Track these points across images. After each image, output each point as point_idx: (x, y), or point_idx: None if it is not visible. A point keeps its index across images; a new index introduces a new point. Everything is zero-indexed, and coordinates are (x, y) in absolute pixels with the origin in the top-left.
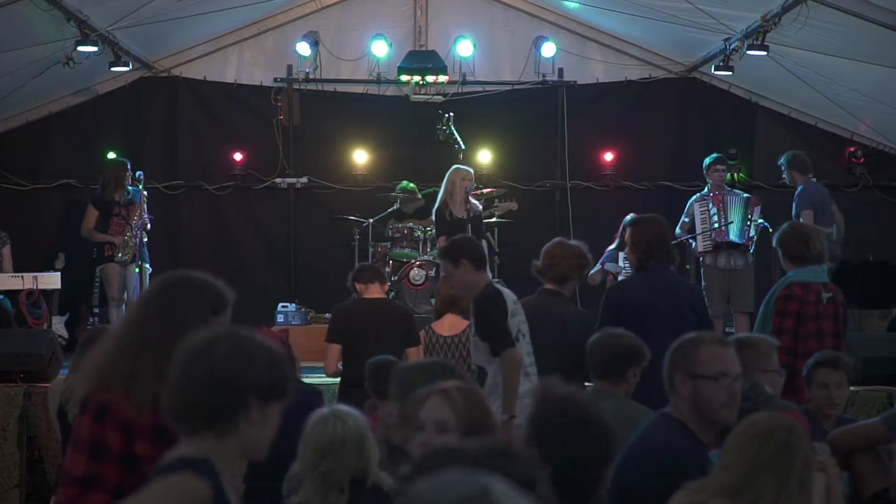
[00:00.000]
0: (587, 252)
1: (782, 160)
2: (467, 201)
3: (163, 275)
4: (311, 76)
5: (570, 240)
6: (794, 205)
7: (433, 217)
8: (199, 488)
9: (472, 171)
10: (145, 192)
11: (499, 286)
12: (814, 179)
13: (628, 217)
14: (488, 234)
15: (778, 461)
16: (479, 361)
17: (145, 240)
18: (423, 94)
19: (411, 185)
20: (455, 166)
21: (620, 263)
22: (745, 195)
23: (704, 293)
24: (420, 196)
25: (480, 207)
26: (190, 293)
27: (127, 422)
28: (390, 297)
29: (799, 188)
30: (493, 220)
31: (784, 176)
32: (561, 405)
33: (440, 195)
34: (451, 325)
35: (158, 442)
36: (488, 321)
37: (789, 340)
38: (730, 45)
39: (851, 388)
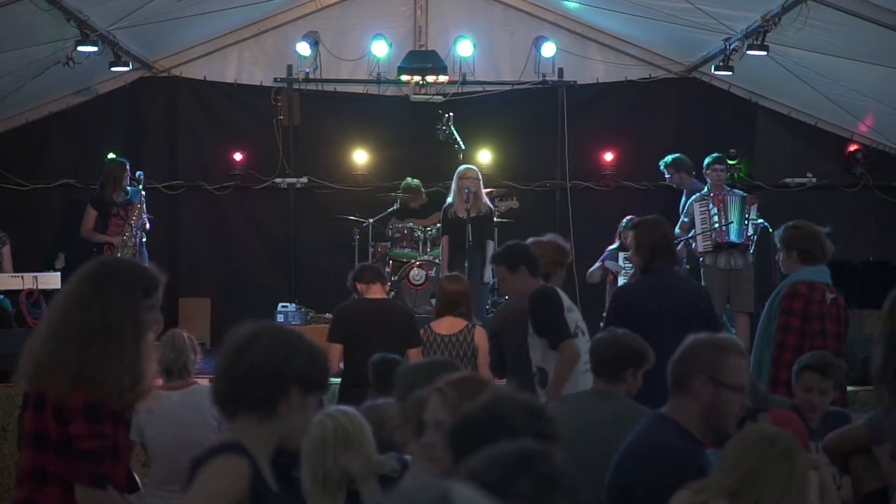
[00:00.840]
0: (564, 243)
1: (668, 161)
2: (467, 201)
3: (89, 262)
4: (311, 76)
5: (545, 236)
6: (689, 200)
7: (441, 215)
8: (238, 465)
9: (474, 169)
10: (143, 192)
11: (553, 286)
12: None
13: (626, 219)
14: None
15: (780, 466)
16: (538, 362)
17: (144, 240)
18: (423, 94)
19: (415, 181)
20: (460, 166)
21: (621, 263)
22: (743, 194)
23: None
24: (425, 194)
25: (492, 208)
26: (118, 276)
27: (59, 405)
28: (391, 297)
29: (693, 183)
30: (494, 219)
31: (668, 178)
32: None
33: (449, 196)
34: (449, 324)
35: (92, 421)
36: (544, 316)
37: (796, 338)
38: (730, 45)
39: (851, 387)
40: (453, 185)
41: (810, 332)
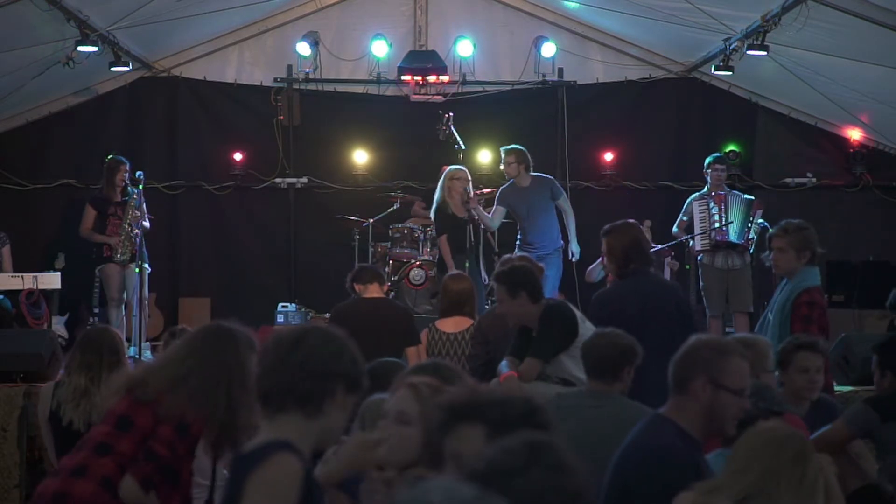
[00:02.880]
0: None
1: (509, 154)
2: (467, 202)
3: (222, 327)
4: (311, 76)
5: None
6: (544, 194)
7: (432, 216)
8: (295, 465)
9: (464, 169)
10: (136, 191)
11: (566, 302)
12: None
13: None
14: (489, 234)
15: (792, 470)
16: (557, 373)
17: (141, 238)
18: (423, 94)
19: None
20: (448, 168)
21: None
22: (749, 197)
23: (703, 293)
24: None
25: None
26: (245, 339)
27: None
28: (390, 297)
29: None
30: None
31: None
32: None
33: (437, 196)
34: (455, 323)
35: (178, 432)
36: (546, 327)
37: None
38: (730, 45)
39: (851, 387)
40: (445, 186)
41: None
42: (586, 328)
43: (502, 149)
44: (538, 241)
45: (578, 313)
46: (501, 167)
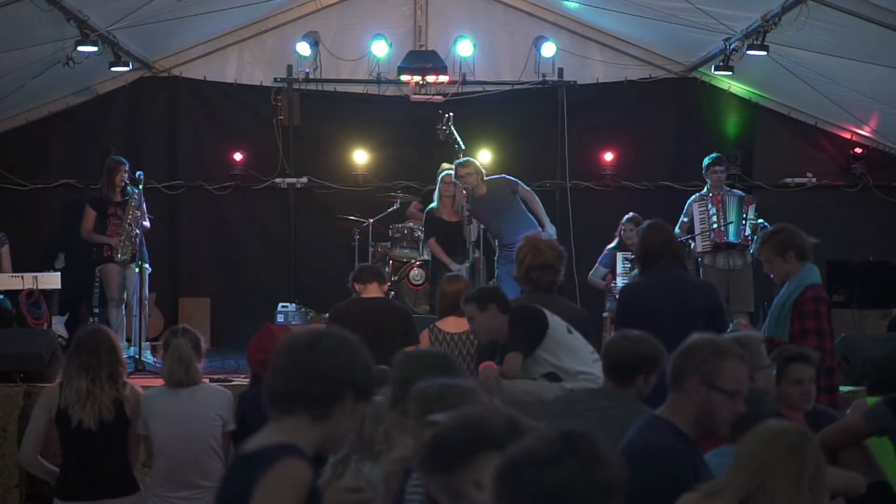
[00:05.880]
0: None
1: (467, 165)
2: (468, 201)
3: None
4: (311, 76)
5: (539, 240)
6: (503, 193)
7: (423, 217)
8: (304, 470)
9: (451, 172)
10: (136, 191)
11: (538, 307)
12: None
13: (627, 216)
14: (488, 234)
15: (789, 460)
16: (542, 370)
17: (142, 238)
18: (423, 94)
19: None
20: (442, 172)
21: (619, 263)
22: (740, 193)
23: None
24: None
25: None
26: None
27: None
28: (390, 296)
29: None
30: None
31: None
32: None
33: (434, 200)
34: (455, 323)
35: None
36: (516, 326)
37: (831, 343)
38: (730, 45)
39: (852, 387)
40: (438, 190)
41: (829, 333)
42: (555, 320)
43: (457, 162)
44: (516, 239)
45: (544, 310)
46: (455, 181)
